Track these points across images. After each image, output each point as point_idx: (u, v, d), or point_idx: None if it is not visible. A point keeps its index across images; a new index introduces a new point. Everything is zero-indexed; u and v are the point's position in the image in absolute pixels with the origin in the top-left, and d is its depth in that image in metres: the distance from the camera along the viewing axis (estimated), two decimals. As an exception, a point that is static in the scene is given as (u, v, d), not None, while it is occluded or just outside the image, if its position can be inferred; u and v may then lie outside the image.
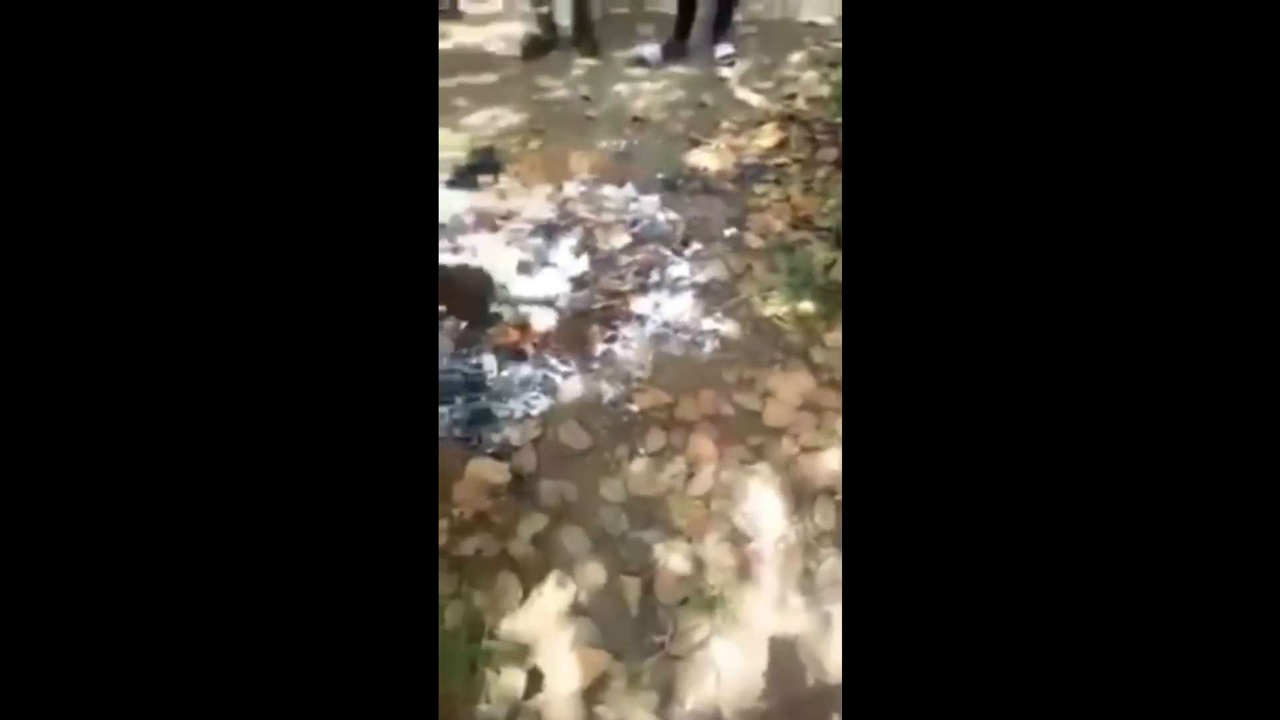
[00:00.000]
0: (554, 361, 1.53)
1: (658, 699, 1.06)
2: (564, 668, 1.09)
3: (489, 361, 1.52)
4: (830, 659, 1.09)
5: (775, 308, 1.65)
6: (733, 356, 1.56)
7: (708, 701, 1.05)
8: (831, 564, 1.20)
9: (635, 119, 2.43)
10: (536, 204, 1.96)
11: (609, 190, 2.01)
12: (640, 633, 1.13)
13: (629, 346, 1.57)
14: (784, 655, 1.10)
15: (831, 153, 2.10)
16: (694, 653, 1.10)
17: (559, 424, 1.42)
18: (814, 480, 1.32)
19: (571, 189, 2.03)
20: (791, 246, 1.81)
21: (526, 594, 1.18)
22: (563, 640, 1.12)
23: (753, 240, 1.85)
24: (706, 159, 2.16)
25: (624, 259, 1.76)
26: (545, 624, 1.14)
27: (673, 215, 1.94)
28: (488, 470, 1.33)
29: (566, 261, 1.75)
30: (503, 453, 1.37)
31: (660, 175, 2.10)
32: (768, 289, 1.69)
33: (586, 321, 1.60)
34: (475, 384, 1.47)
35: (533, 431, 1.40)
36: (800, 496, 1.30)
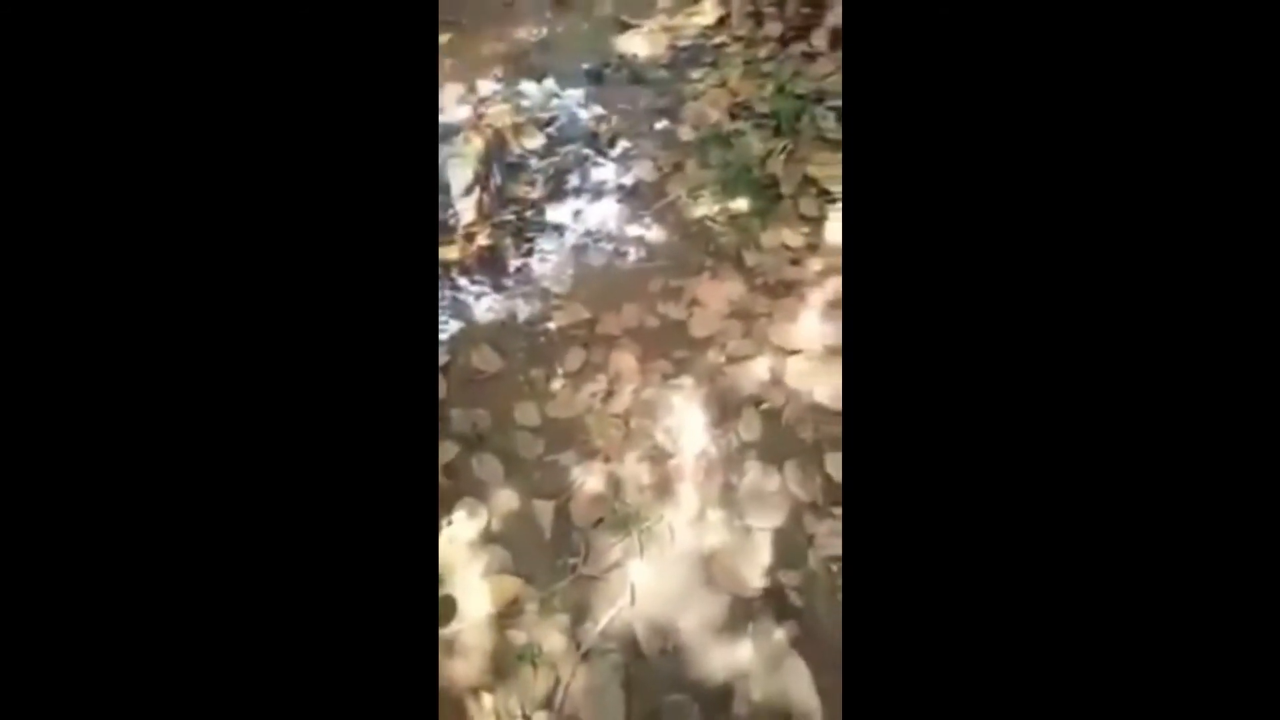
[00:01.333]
0: (463, 281, 1.41)
1: (570, 620, 1.04)
2: (475, 595, 1.07)
3: (393, 286, 1.40)
4: (748, 572, 1.06)
5: (706, 208, 1.52)
6: (659, 265, 1.44)
7: (621, 620, 1.04)
8: (753, 476, 1.15)
9: (558, 1, 2.15)
10: (448, 109, 1.76)
11: (527, 86, 1.81)
12: (554, 556, 1.10)
13: (547, 260, 1.45)
14: (701, 571, 1.07)
15: (776, 28, 1.87)
16: (609, 573, 1.08)
17: (471, 348, 1.33)
18: (739, 391, 1.25)
19: (486, 87, 1.82)
20: (728, 138, 1.64)
21: (438, 524, 1.14)
22: (474, 568, 1.09)
23: (685, 133, 1.67)
24: (637, 44, 1.93)
25: (538, 163, 1.60)
26: (457, 553, 1.11)
27: (598, 110, 1.75)
28: (393, 402, 1.25)
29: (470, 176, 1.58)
30: (410, 382, 1.28)
31: (585, 66, 1.88)
32: (698, 187, 1.55)
33: (498, 236, 1.47)
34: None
35: (442, 358, 1.31)
36: (725, 408, 1.23)
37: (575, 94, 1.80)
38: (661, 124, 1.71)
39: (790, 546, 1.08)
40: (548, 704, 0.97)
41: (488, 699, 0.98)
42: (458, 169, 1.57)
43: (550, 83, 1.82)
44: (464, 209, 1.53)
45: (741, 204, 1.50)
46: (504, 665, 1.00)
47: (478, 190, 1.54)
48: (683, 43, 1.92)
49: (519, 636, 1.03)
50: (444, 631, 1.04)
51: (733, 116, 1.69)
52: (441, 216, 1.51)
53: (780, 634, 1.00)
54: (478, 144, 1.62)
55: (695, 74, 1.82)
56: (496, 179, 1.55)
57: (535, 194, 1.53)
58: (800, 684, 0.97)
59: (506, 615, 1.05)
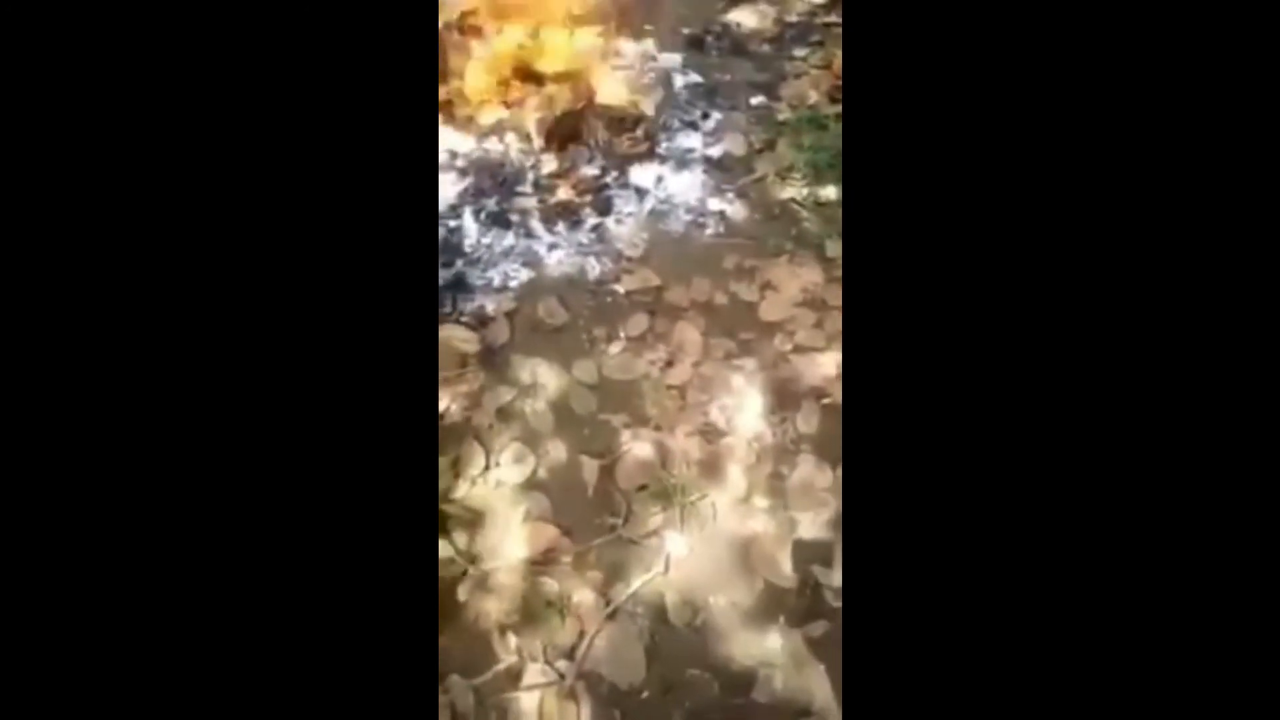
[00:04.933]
0: (539, 230, 1.41)
1: (602, 578, 1.04)
2: (514, 538, 1.08)
3: (470, 226, 1.41)
4: (787, 564, 1.04)
5: (794, 190, 1.47)
6: (736, 242, 1.41)
7: (653, 587, 1.04)
8: (805, 470, 1.13)
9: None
10: (547, 59, 1.74)
11: (624, 45, 1.77)
12: (594, 514, 1.10)
13: (623, 222, 1.44)
14: (739, 554, 1.06)
15: (892, 12, 1.78)
16: (647, 539, 1.08)
17: (538, 298, 1.33)
18: (802, 382, 1.22)
19: (583, 40, 1.79)
20: (825, 122, 1.58)
21: (486, 465, 1.15)
22: (516, 512, 1.11)
23: (782, 111, 1.62)
24: (744, 15, 1.86)
25: (627, 123, 1.57)
26: (501, 495, 1.13)
27: (695, 78, 1.70)
28: (457, 339, 1.27)
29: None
30: (475, 322, 1.30)
31: (686, 30, 1.83)
32: (788, 169, 1.50)
33: (578, 191, 1.46)
34: (454, 249, 1.38)
35: (509, 304, 1.32)
36: (784, 398, 1.20)
37: (673, 58, 1.75)
38: (758, 99, 1.65)
39: (833, 546, 1.05)
40: (570, 654, 0.98)
41: (513, 639, 1.00)
42: (541, 120, 1.56)
43: (649, 44, 1.79)
44: (546, 160, 1.52)
45: (830, 191, 1.45)
46: (533, 610, 1.02)
47: (559, 143, 1.53)
48: (791, 18, 1.85)
49: (551, 585, 1.04)
50: (477, 570, 1.06)
51: (833, 100, 1.63)
52: (522, 165, 1.51)
53: (811, 631, 0.99)
54: (566, 97, 1.60)
55: (799, 52, 1.75)
56: (583, 135, 1.53)
57: (620, 154, 1.51)
58: (824, 684, 0.95)
59: (541, 563, 1.06)
